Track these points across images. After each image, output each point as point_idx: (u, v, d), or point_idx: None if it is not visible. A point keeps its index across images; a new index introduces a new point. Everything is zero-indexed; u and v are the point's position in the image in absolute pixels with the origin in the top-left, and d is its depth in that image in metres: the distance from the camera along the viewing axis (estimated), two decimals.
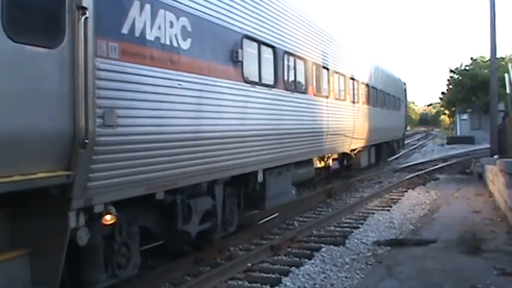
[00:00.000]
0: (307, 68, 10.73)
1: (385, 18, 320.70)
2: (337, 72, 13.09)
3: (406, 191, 15.73)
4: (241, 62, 7.45)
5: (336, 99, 13.02)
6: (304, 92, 10.54)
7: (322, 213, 12.18)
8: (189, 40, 6.10)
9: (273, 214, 10.75)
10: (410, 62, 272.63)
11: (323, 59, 11.86)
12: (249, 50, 7.89)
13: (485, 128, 35.60)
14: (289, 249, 8.58)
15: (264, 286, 6.77)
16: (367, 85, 17.13)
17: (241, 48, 7.44)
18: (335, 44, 13.08)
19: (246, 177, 8.25)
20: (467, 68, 50.52)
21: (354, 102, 15.06)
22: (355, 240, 9.19)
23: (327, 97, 12.12)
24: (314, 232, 9.86)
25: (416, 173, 20.31)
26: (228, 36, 7.12)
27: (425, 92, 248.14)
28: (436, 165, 24.14)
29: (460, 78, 49.82)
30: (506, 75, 20.04)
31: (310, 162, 11.74)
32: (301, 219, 11.43)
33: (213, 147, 6.69)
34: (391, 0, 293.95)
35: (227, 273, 7.05)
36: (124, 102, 5.00)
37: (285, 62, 9.38)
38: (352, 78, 14.97)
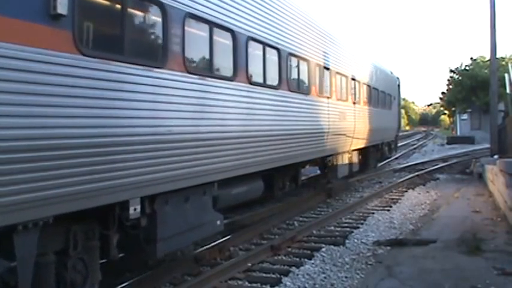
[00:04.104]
0: (238, 46, 7.36)
1: (385, 18, 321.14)
2: (294, 55, 9.79)
3: (406, 191, 15.71)
4: (71, 18, 4.32)
5: (292, 91, 9.49)
6: (231, 80, 7.17)
7: (322, 213, 12.18)
8: None
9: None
10: (410, 62, 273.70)
11: (258, 28, 8.11)
12: None
13: (485, 128, 35.66)
14: (289, 249, 8.59)
15: (264, 286, 6.77)
16: (344, 75, 13.56)
17: None
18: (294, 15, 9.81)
19: (112, 209, 5.20)
20: (467, 68, 50.62)
21: (327, 97, 11.85)
22: (355, 240, 9.19)
23: (277, 88, 8.84)
24: (314, 232, 9.86)
25: (416, 173, 20.30)
26: None
27: (425, 92, 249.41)
28: (436, 165, 24.12)
29: (460, 78, 49.92)
30: (506, 75, 20.01)
31: (255, 176, 8.68)
32: (301, 219, 11.43)
33: None
34: (392, 0, 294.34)
35: (227, 273, 7.05)
36: None
37: (186, 29, 6.00)
38: (325, 67, 11.62)
